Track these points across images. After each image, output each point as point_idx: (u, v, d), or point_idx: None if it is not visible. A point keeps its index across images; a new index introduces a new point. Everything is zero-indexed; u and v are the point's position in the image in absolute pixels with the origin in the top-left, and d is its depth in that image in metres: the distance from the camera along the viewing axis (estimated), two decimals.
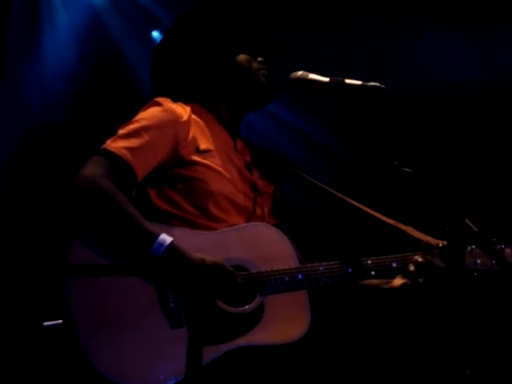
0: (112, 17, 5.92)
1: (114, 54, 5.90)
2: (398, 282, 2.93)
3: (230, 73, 3.00)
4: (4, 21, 5.53)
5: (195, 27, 3.06)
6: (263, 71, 3.03)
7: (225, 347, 2.57)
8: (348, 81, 2.77)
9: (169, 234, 2.59)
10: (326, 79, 2.82)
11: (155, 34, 6.05)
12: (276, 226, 2.87)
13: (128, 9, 5.92)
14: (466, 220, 2.61)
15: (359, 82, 2.75)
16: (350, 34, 5.59)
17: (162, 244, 2.54)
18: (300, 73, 2.88)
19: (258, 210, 2.92)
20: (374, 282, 2.95)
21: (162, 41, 3.14)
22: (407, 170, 2.66)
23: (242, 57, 3.02)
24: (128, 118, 2.82)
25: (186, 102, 2.93)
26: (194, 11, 3.11)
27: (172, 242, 2.56)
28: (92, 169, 2.61)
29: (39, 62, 5.70)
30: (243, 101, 3.04)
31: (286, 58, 3.33)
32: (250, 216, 2.87)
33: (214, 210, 2.77)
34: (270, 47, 3.13)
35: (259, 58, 3.04)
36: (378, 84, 2.73)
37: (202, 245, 2.65)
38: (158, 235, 2.56)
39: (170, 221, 2.72)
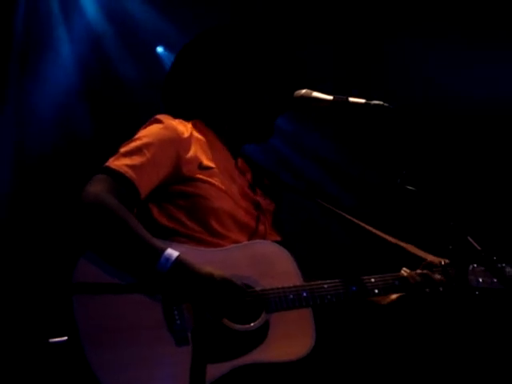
0: (114, 39, 5.97)
1: (116, 76, 5.95)
2: (394, 295, 2.98)
3: (239, 97, 3.00)
4: (8, 41, 5.59)
5: (211, 49, 3.05)
6: (267, 107, 3.00)
7: (230, 365, 2.57)
8: (351, 99, 2.79)
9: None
10: (330, 97, 2.84)
11: (159, 49, 6.09)
12: (278, 243, 2.87)
13: (130, 31, 5.97)
14: (469, 238, 2.63)
15: (363, 101, 2.77)
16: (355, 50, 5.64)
17: (168, 258, 2.55)
18: (304, 91, 2.89)
19: (261, 228, 2.92)
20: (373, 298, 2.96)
21: (176, 58, 3.12)
22: (410, 188, 2.68)
23: (254, 84, 3.01)
24: (129, 137, 2.83)
25: (188, 119, 2.94)
26: (212, 32, 3.10)
27: (179, 256, 2.56)
28: (96, 187, 2.62)
29: (40, 86, 5.76)
30: (243, 131, 3.03)
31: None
32: (252, 233, 2.87)
33: (216, 226, 2.77)
34: (288, 73, 3.11)
35: (271, 86, 3.02)
36: (381, 102, 2.74)
37: (205, 262, 2.64)
38: (165, 250, 2.56)
39: (172, 237, 2.72)
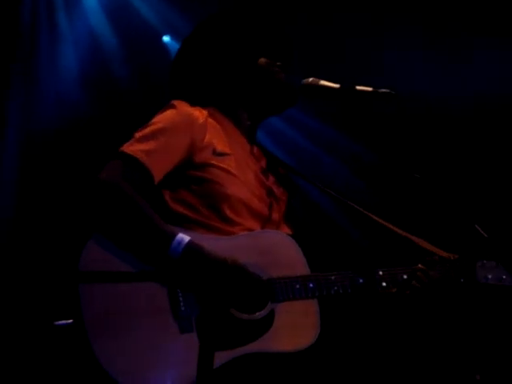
0: (120, 28, 5.97)
1: (122, 66, 5.96)
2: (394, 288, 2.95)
3: (251, 76, 2.99)
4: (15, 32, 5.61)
5: (215, 32, 3.05)
6: (283, 75, 3.02)
7: (233, 353, 2.56)
8: (359, 87, 2.78)
9: None
10: (337, 85, 2.83)
11: (166, 38, 6.08)
12: (289, 233, 2.86)
13: (137, 20, 5.96)
14: (476, 226, 2.62)
15: (370, 89, 2.76)
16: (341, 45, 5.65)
17: (180, 242, 2.56)
18: (311, 79, 2.88)
19: (274, 216, 2.91)
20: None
21: (182, 46, 3.12)
22: (417, 175, 2.67)
23: (262, 60, 3.01)
24: (135, 126, 2.83)
25: (203, 106, 2.93)
26: (214, 17, 3.11)
27: (190, 240, 2.57)
28: (110, 172, 2.63)
29: (48, 76, 5.79)
30: (265, 104, 3.02)
31: None
32: (265, 221, 2.86)
33: (228, 213, 2.76)
34: (289, 52, 3.11)
35: (278, 63, 3.03)
36: (388, 90, 2.73)
37: (214, 249, 2.63)
38: (176, 234, 2.57)
39: (184, 224, 2.72)
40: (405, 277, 2.89)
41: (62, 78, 5.80)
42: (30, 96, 5.70)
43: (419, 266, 2.91)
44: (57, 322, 2.66)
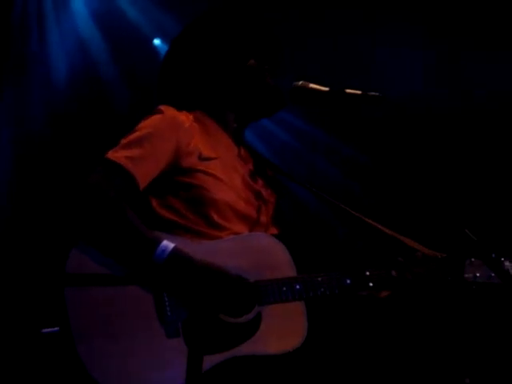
0: (110, 32, 5.97)
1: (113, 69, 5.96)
2: (384, 293, 2.94)
3: (240, 78, 2.97)
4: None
5: (204, 34, 3.03)
6: (269, 79, 3.00)
7: (221, 357, 2.57)
8: (348, 90, 2.77)
9: None
10: (326, 89, 2.82)
11: (156, 41, 6.08)
12: (276, 235, 2.85)
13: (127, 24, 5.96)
14: (467, 231, 2.61)
15: (359, 92, 2.75)
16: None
17: (164, 250, 2.55)
18: (301, 82, 2.86)
19: (263, 219, 2.90)
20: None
21: (170, 48, 3.11)
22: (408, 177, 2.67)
23: (252, 62, 2.99)
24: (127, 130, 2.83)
25: (189, 110, 2.92)
26: (202, 18, 3.09)
27: (175, 247, 2.57)
28: (94, 178, 2.63)
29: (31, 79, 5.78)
30: (254, 107, 3.01)
31: None
32: (254, 224, 2.86)
33: (216, 218, 2.76)
34: (278, 54, 3.08)
35: (266, 66, 3.01)
36: (378, 94, 2.72)
37: (200, 253, 2.63)
38: (161, 241, 2.57)
39: (172, 230, 2.72)
40: (392, 276, 2.88)
41: (51, 80, 5.80)
42: (20, 97, 5.69)
43: (401, 260, 2.92)
44: (43, 330, 2.65)
